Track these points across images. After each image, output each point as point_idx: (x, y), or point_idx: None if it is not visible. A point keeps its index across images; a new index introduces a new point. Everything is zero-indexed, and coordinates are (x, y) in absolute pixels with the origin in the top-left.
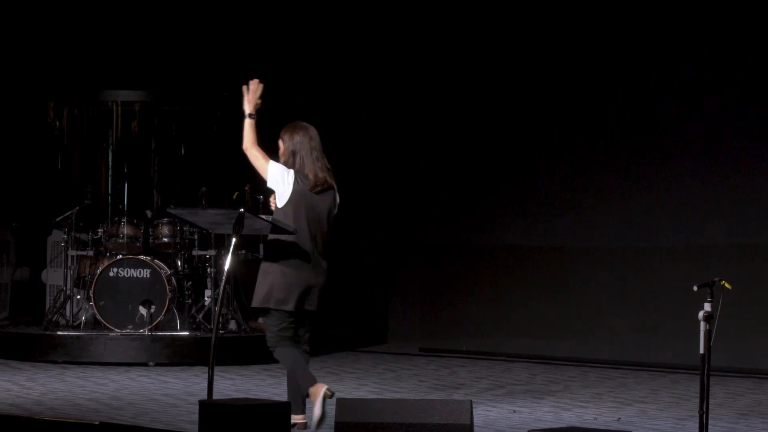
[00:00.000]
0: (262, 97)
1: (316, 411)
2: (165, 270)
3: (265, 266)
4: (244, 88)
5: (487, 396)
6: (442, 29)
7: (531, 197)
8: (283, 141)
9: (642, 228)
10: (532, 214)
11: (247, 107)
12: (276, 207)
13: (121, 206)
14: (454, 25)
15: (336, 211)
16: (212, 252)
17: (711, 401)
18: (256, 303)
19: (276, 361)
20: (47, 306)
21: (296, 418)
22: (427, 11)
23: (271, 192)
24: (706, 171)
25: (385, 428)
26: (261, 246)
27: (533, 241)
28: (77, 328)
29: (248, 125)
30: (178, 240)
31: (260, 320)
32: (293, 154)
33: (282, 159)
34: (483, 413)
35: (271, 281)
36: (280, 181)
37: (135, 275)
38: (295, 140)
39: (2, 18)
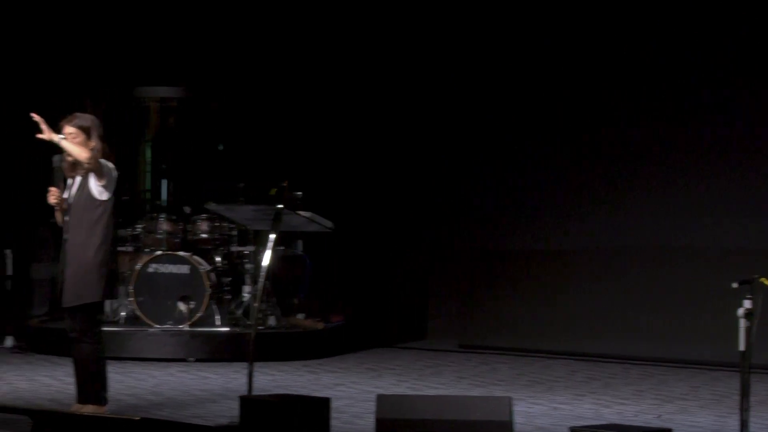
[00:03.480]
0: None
1: None
2: (204, 266)
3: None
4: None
5: (527, 393)
6: (480, 24)
7: (568, 197)
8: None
9: (680, 225)
10: (570, 214)
11: (55, 136)
12: (103, 200)
13: (159, 202)
14: (491, 20)
15: None
16: (251, 248)
17: (752, 398)
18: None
19: (317, 357)
20: None
21: None
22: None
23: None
24: (745, 167)
25: (425, 425)
26: (299, 242)
27: (572, 241)
28: (117, 323)
29: (68, 144)
30: (216, 236)
31: (299, 317)
32: (101, 139)
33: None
34: (523, 410)
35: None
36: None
37: (174, 271)
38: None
39: (40, 15)
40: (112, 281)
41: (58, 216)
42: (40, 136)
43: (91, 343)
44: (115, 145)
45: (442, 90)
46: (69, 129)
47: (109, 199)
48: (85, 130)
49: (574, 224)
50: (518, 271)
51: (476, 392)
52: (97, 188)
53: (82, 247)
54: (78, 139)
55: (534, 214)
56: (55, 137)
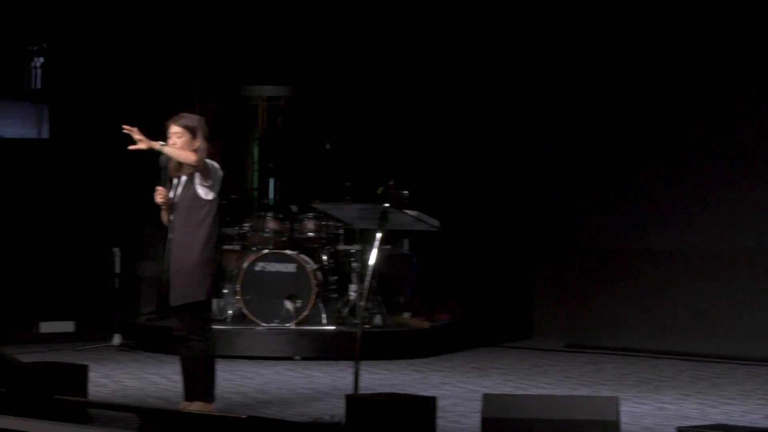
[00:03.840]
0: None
1: None
2: (310, 264)
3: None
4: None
5: (633, 392)
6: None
7: (676, 199)
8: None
9: None
10: (678, 214)
11: (155, 144)
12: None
13: (266, 201)
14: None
15: None
16: (357, 246)
17: None
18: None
19: (423, 356)
20: None
21: None
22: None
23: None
24: None
25: (530, 424)
26: (406, 241)
27: (679, 241)
28: (224, 322)
29: (171, 150)
30: (323, 235)
31: (405, 315)
32: (206, 140)
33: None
34: (629, 409)
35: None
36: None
37: (281, 270)
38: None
39: (148, 15)
40: (217, 280)
41: (164, 215)
42: (133, 147)
43: (199, 341)
44: (223, 144)
45: (560, 88)
46: (175, 128)
47: (214, 198)
48: (191, 130)
49: (682, 224)
50: (625, 271)
51: (582, 392)
52: (202, 188)
53: (187, 247)
54: (183, 139)
55: (642, 213)
56: (156, 145)
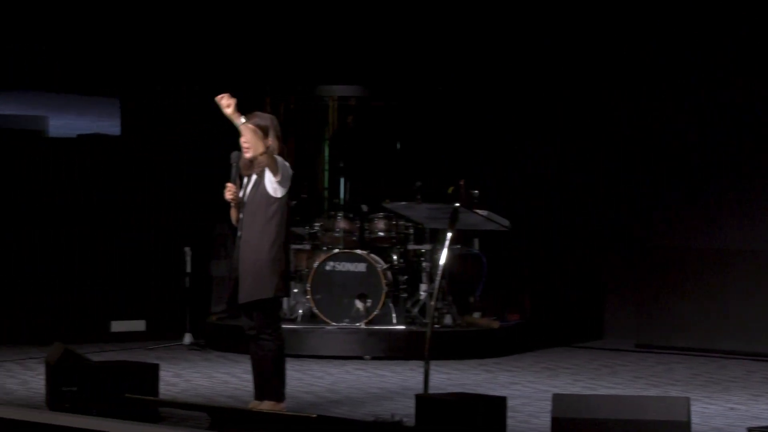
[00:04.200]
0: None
1: None
2: (380, 264)
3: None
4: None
5: (704, 393)
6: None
7: (744, 200)
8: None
9: None
10: (750, 214)
11: (237, 119)
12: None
13: (337, 200)
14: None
15: None
16: (427, 246)
17: None
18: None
19: (493, 355)
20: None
21: None
22: None
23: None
24: None
25: (601, 424)
26: (476, 240)
27: (751, 240)
28: (294, 321)
29: (247, 129)
30: (393, 234)
31: (475, 315)
32: (278, 139)
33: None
34: (699, 410)
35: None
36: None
37: (351, 269)
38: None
39: (221, 14)
40: (286, 278)
41: (233, 213)
42: (225, 110)
43: (270, 340)
44: (295, 143)
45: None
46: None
47: (283, 196)
48: (263, 129)
49: (754, 224)
50: (696, 271)
51: (652, 392)
52: (272, 185)
53: (255, 244)
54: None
55: (713, 213)
56: (237, 120)
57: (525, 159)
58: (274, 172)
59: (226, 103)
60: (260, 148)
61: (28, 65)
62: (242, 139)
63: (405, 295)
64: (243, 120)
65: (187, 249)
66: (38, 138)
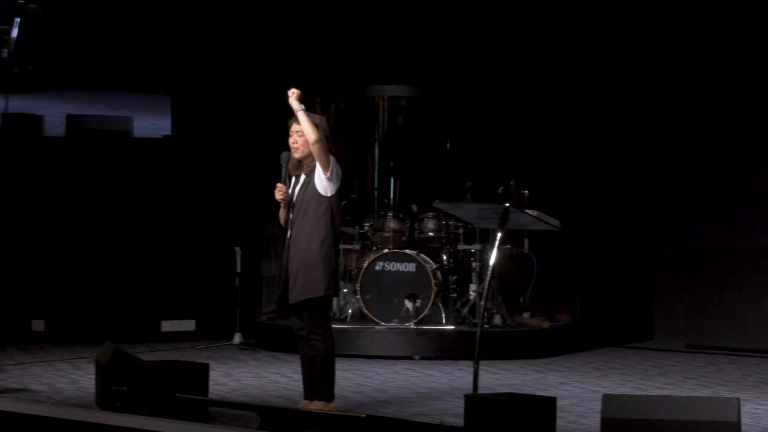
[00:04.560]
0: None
1: None
2: (430, 264)
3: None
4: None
5: (754, 393)
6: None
7: None
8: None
9: None
10: None
11: (297, 104)
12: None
13: (387, 200)
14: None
15: None
16: (477, 246)
17: None
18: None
19: (543, 356)
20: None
21: None
22: None
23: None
24: None
25: (651, 425)
26: (526, 241)
27: None
28: (344, 321)
29: (304, 117)
30: (443, 234)
31: (525, 315)
32: (327, 139)
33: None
34: (749, 410)
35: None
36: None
37: (401, 269)
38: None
39: (272, 14)
40: (336, 277)
41: (282, 213)
42: (290, 96)
43: (320, 340)
44: (345, 143)
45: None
46: (297, 127)
47: (333, 195)
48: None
49: None
50: (746, 271)
51: (703, 393)
52: (322, 184)
53: (306, 243)
54: (304, 137)
55: (763, 212)
56: (297, 105)
57: (573, 158)
58: (325, 166)
59: (293, 91)
60: (313, 135)
61: (113, 65)
62: (291, 140)
63: (454, 295)
64: (301, 106)
65: (237, 249)
66: (126, 138)
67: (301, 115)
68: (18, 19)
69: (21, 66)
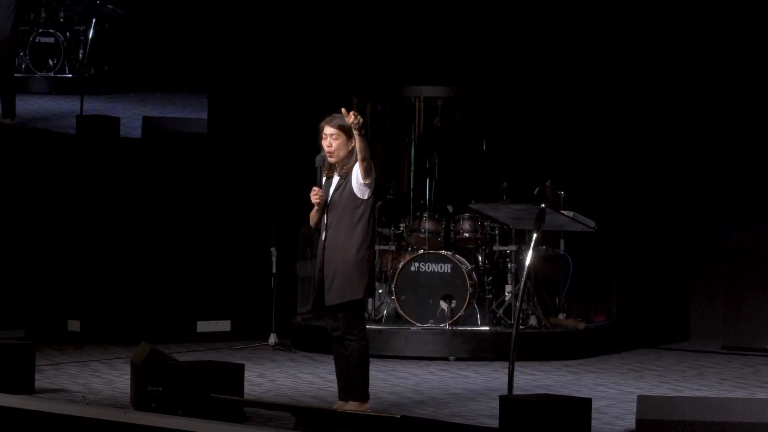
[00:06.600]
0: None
1: None
2: (466, 265)
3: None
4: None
5: None
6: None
7: None
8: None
9: None
10: None
11: (354, 120)
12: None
13: (423, 201)
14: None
15: None
16: (513, 247)
17: None
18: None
19: (578, 357)
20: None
21: None
22: None
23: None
24: None
25: (686, 426)
26: (562, 241)
27: None
28: (379, 322)
29: (359, 136)
30: (479, 235)
31: (560, 316)
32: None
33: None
34: None
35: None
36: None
37: (436, 270)
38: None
39: (309, 13)
40: (372, 279)
41: (314, 216)
42: (350, 118)
43: (355, 341)
44: (381, 144)
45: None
46: (330, 130)
47: (369, 198)
48: (346, 131)
49: None
50: None
51: (739, 394)
52: (359, 188)
53: (343, 246)
54: (339, 140)
55: None
56: (354, 121)
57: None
58: (367, 173)
59: (357, 119)
60: (364, 155)
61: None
62: (325, 143)
63: (490, 296)
64: (362, 132)
65: (273, 249)
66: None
67: (356, 134)
68: (94, 20)
69: (97, 67)
